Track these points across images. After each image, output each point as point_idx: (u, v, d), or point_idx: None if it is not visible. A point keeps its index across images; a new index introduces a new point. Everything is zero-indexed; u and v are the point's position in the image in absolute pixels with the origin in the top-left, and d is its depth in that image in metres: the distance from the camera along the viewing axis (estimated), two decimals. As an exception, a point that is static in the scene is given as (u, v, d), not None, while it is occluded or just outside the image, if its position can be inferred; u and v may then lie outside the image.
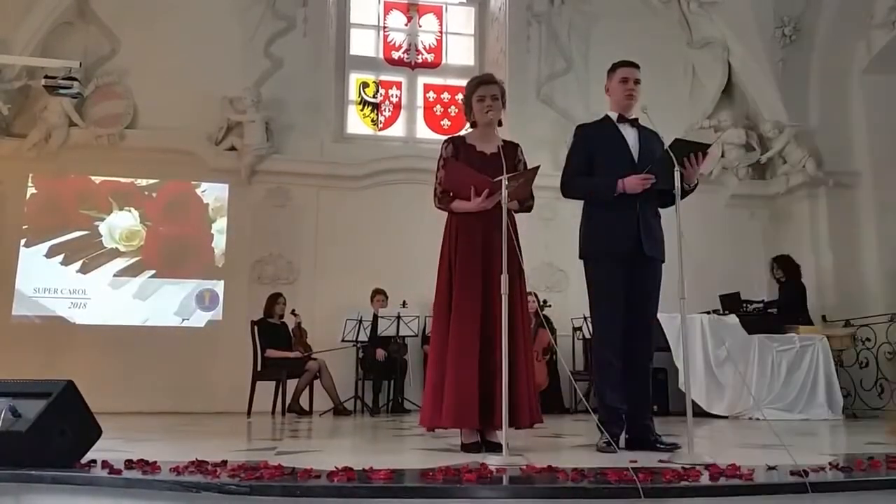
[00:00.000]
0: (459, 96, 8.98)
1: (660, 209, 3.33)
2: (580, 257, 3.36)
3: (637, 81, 3.32)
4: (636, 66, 3.36)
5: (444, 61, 9.05)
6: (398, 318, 6.76)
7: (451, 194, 3.15)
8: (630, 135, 3.31)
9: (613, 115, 3.37)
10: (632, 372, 3.17)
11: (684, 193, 2.88)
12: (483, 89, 3.22)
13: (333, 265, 7.73)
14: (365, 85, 8.83)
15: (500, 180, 2.74)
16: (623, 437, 3.17)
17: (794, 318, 6.75)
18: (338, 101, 8.59)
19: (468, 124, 3.37)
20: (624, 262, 3.18)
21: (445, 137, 3.42)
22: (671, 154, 2.84)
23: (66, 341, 7.20)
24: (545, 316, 7.05)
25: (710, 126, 8.57)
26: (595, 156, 3.32)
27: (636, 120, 3.36)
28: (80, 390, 2.29)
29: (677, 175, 2.79)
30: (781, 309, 6.88)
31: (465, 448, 2.99)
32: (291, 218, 7.89)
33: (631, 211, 3.18)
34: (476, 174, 3.00)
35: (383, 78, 8.88)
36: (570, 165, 3.38)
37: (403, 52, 8.99)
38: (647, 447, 3.05)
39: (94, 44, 7.88)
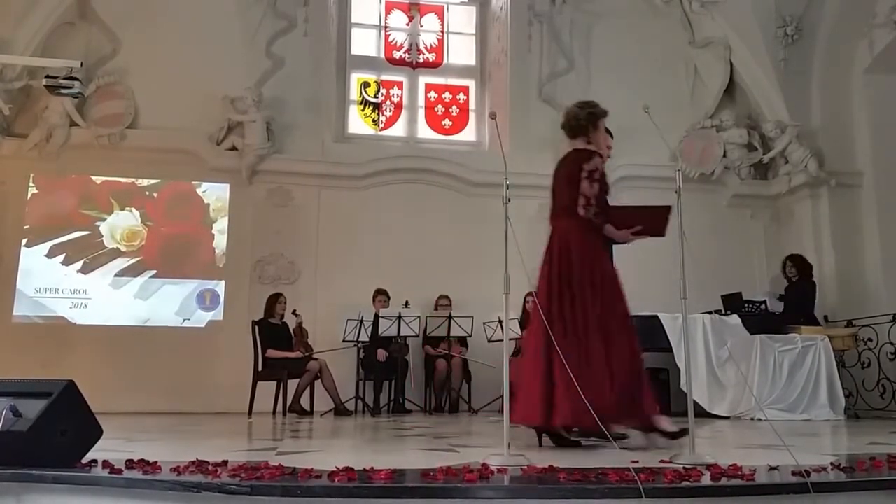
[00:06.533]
0: (461, 96, 8.99)
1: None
2: None
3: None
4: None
5: (445, 61, 9.04)
6: (399, 318, 6.76)
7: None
8: None
9: None
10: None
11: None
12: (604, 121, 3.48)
13: (334, 265, 7.73)
14: (366, 84, 8.83)
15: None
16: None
17: (798, 318, 6.75)
18: (339, 101, 8.59)
19: (578, 139, 3.45)
20: None
21: (586, 149, 3.41)
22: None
23: (66, 341, 7.20)
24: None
25: (711, 125, 8.56)
26: None
27: None
28: (81, 390, 2.28)
29: (678, 176, 2.78)
30: (789, 306, 6.90)
31: (559, 443, 3.14)
32: (292, 218, 7.89)
33: None
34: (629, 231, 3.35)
35: (384, 77, 8.88)
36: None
37: (405, 52, 8.98)
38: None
39: (96, 44, 7.88)
